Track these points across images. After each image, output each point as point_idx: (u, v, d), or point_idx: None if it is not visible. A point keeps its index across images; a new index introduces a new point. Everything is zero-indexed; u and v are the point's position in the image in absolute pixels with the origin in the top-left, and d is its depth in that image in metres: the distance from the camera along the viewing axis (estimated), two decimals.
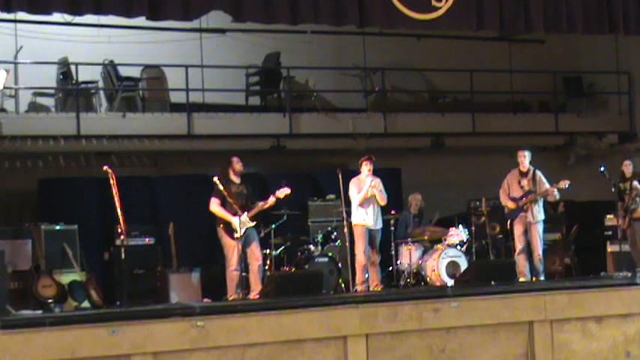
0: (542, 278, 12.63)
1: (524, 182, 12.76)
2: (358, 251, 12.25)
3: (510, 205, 12.78)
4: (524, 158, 12.80)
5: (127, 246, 11.91)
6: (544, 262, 12.87)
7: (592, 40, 16.42)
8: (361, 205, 12.27)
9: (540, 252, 12.74)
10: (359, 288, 12.22)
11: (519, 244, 12.72)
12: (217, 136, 15.00)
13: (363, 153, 15.65)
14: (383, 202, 12.40)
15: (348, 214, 12.93)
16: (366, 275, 12.23)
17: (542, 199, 12.81)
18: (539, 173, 12.83)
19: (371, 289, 12.16)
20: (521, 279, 12.46)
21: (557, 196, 12.97)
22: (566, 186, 12.68)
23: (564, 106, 17.94)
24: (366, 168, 12.36)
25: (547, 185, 12.75)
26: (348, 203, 12.97)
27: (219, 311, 9.68)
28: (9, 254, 11.46)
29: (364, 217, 12.28)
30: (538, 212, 12.74)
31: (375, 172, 12.52)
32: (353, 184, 12.39)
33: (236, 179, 11.89)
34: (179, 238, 13.15)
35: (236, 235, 11.51)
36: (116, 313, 9.59)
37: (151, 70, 15.25)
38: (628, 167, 13.12)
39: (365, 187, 12.24)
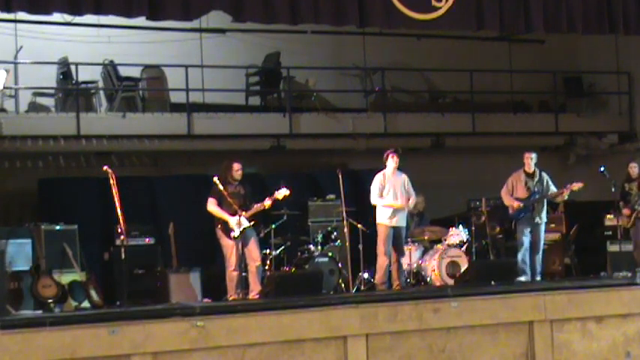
0: (538, 278, 12.65)
1: (531, 183, 12.78)
2: (380, 252, 12.13)
3: (516, 205, 12.80)
4: (531, 160, 12.83)
5: (127, 246, 11.91)
6: (542, 263, 12.91)
7: (592, 40, 16.41)
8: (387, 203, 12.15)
9: (540, 253, 12.79)
10: (379, 288, 12.18)
11: (524, 243, 12.73)
12: (217, 136, 15.00)
13: (364, 153, 15.79)
14: (412, 202, 12.37)
15: (348, 214, 12.92)
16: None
17: (546, 200, 12.85)
18: (545, 175, 12.89)
19: (393, 288, 12.12)
20: (522, 278, 12.48)
21: (566, 197, 13.00)
22: (579, 189, 12.69)
23: (564, 106, 17.94)
24: (392, 161, 12.19)
25: (553, 187, 12.80)
26: (348, 203, 12.97)
27: (219, 311, 9.70)
28: (9, 254, 11.46)
29: (389, 216, 12.13)
30: (545, 213, 12.80)
31: (374, 173, 12.49)
32: (377, 182, 12.19)
33: (233, 181, 11.87)
34: (179, 238, 13.14)
35: (233, 235, 11.51)
36: (116, 313, 9.60)
37: (151, 70, 15.25)
38: (634, 169, 13.18)
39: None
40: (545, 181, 12.83)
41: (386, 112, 16.10)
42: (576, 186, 12.66)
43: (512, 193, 12.86)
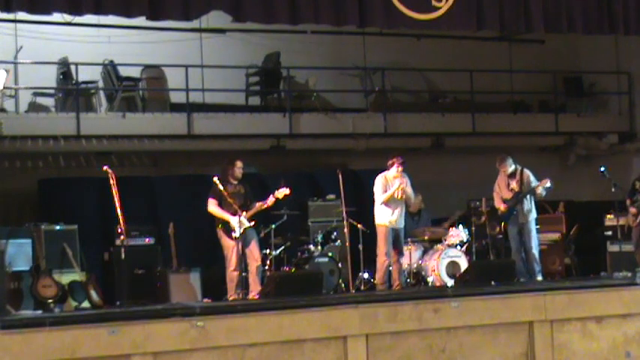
0: (539, 278, 12.63)
1: (513, 184, 12.82)
2: (380, 252, 12.16)
3: (502, 207, 12.85)
4: (501, 165, 12.86)
5: (127, 246, 11.94)
6: (540, 262, 12.88)
7: (592, 40, 16.42)
8: (387, 204, 12.18)
9: (535, 251, 12.76)
10: (379, 288, 12.21)
11: (514, 245, 12.78)
12: (217, 136, 15.01)
13: (364, 153, 15.79)
14: (411, 200, 12.43)
15: (348, 214, 12.92)
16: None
17: (531, 197, 12.84)
18: (527, 172, 12.91)
19: (393, 288, 12.13)
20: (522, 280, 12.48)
21: (544, 194, 12.96)
22: (547, 185, 12.69)
23: (564, 106, 17.94)
24: (396, 171, 12.24)
25: (535, 182, 12.82)
26: (348, 203, 12.97)
27: (219, 311, 9.70)
28: (9, 254, 11.46)
29: (389, 217, 12.17)
30: (529, 211, 12.78)
31: (374, 173, 12.50)
32: (379, 181, 12.25)
33: (233, 180, 11.89)
34: (179, 238, 13.14)
35: (234, 235, 11.51)
36: (116, 313, 9.59)
37: (151, 70, 15.26)
38: None
39: (392, 189, 12.14)
40: (526, 178, 12.84)
41: (386, 112, 16.10)
42: (543, 183, 12.66)
43: (501, 195, 12.92)
